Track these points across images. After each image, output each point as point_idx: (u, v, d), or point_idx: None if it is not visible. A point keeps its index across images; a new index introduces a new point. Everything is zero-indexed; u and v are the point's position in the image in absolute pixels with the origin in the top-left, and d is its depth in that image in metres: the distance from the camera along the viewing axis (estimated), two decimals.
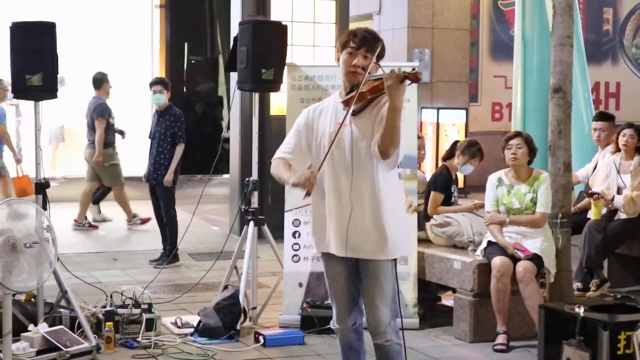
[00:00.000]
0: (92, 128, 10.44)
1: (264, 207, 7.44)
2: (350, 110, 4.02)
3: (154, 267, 8.39)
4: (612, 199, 7.19)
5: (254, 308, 6.56)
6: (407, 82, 3.87)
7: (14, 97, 6.30)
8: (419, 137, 7.55)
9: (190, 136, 9.06)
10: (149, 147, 8.85)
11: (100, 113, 10.33)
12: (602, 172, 7.47)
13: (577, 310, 5.09)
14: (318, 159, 4.16)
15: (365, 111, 4.10)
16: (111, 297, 6.16)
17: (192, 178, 13.56)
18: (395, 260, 4.22)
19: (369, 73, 4.05)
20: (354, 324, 4.30)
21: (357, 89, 3.98)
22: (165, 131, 8.62)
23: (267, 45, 6.45)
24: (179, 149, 8.57)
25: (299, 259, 6.55)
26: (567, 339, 5.05)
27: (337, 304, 4.30)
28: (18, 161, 10.20)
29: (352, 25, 11.97)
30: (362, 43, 4.10)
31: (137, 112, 14.06)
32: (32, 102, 6.02)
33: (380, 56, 4.16)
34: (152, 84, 8.86)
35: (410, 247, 4.43)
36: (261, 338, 6.02)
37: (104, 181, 10.66)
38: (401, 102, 3.85)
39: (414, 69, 3.90)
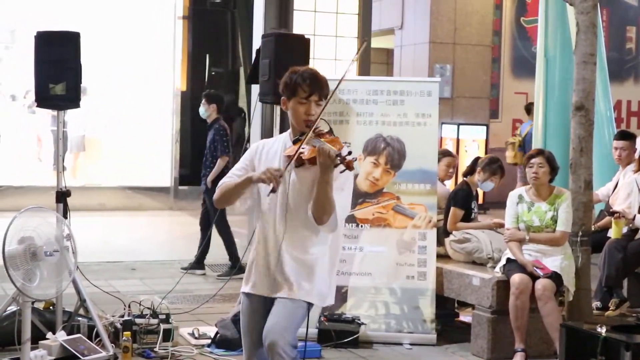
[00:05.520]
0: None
1: None
2: (292, 166, 3.72)
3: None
4: (633, 218, 7.15)
5: None
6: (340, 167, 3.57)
7: (37, 106, 6.30)
8: (452, 156, 7.54)
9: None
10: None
11: None
12: (623, 191, 7.43)
13: (599, 330, 5.06)
14: (259, 201, 3.87)
15: (307, 166, 3.73)
16: (129, 306, 6.17)
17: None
18: (310, 305, 3.84)
19: (315, 130, 3.69)
20: None
21: (297, 149, 3.66)
22: (209, 144, 8.98)
23: (289, 58, 6.45)
24: (219, 162, 8.81)
25: None
26: (589, 358, 5.02)
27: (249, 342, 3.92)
28: None
29: (374, 40, 12.04)
30: (312, 89, 3.79)
31: (158, 122, 14.12)
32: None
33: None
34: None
35: (333, 299, 3.98)
36: None
37: None
38: (331, 177, 3.59)
39: (350, 153, 3.57)
